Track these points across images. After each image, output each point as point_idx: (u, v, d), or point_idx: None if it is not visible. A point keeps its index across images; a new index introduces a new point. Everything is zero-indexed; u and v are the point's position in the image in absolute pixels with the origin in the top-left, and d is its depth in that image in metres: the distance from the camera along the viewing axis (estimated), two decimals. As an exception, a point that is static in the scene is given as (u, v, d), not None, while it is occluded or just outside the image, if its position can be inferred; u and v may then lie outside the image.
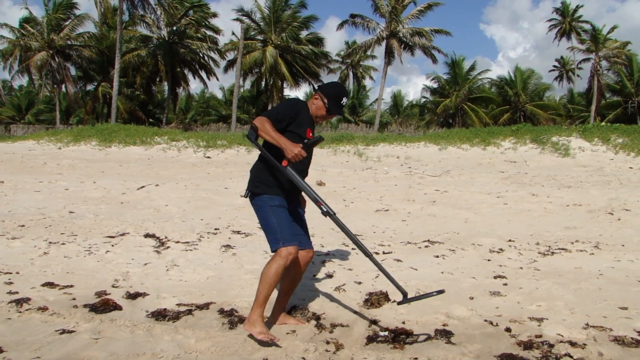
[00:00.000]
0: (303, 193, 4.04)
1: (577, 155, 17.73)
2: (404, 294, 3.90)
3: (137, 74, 46.19)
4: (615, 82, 51.35)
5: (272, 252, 3.81)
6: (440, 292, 3.90)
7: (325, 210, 3.82)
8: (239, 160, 18.42)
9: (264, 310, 3.84)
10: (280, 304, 4.23)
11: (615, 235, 7.75)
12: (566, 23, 54.87)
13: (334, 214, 3.84)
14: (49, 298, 4.70)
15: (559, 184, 12.81)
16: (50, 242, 6.76)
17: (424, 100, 57.52)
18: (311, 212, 4.53)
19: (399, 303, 3.97)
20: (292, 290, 4.23)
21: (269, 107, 45.72)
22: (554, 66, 63.11)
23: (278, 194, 3.89)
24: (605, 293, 5.00)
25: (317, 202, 3.82)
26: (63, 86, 46.27)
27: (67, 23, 43.48)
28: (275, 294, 4.17)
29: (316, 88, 4.11)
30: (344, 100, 4.05)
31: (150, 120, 49.59)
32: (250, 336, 3.81)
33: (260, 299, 3.77)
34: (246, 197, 4.04)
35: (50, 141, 22.57)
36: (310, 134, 4.00)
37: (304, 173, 4.05)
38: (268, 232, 3.85)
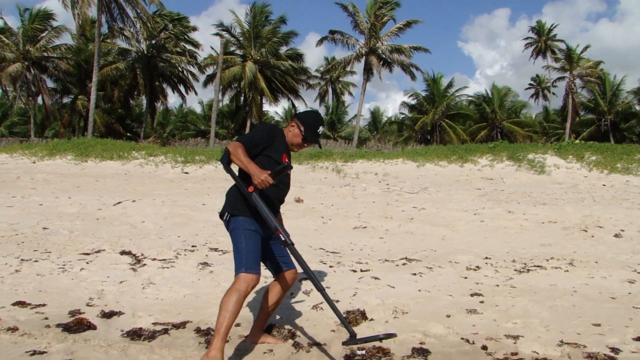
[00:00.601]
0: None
1: (553, 172, 17.98)
2: (352, 334, 3.75)
3: (115, 88, 45.89)
4: (589, 100, 52.44)
5: (234, 274, 3.73)
6: (390, 335, 3.78)
7: (283, 239, 3.73)
8: (217, 177, 18.33)
9: (225, 343, 3.63)
10: (260, 322, 4.21)
11: (589, 252, 7.85)
12: (542, 42, 55.88)
13: (292, 244, 3.77)
14: (20, 318, 4.60)
15: (534, 201, 12.96)
16: (22, 260, 6.60)
17: (402, 116, 58.13)
18: (290, 229, 4.51)
19: (344, 343, 3.84)
20: (273, 310, 4.21)
21: (248, 123, 45.73)
22: (530, 84, 64.14)
23: (255, 218, 3.84)
24: (580, 310, 5.06)
25: (277, 230, 3.74)
26: (39, 98, 45.70)
27: (43, 34, 43.02)
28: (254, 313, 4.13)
29: (295, 115, 4.13)
30: (321, 129, 4.07)
31: (128, 134, 49.21)
32: None
33: (221, 331, 3.55)
34: (223, 219, 3.96)
35: (25, 155, 22.24)
36: (286, 160, 3.97)
37: (278, 200, 4.06)
38: (236, 254, 3.78)
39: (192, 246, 7.79)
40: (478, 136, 49.94)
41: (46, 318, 4.61)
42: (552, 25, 56.23)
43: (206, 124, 55.50)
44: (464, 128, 51.59)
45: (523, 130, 50.93)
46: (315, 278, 3.82)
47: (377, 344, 4.14)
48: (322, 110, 64.68)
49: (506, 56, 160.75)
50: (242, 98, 48.16)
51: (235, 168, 3.84)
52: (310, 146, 4.49)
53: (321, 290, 3.78)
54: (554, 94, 60.36)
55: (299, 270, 4.02)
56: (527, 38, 57.92)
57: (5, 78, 41.17)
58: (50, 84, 45.55)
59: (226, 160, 3.77)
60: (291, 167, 3.91)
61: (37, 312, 4.76)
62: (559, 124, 57.78)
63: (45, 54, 43.31)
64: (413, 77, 45.24)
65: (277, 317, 4.71)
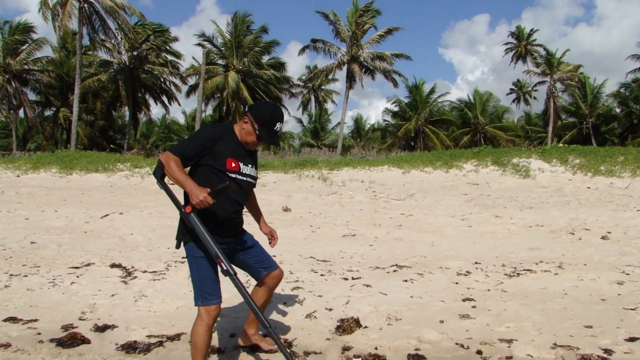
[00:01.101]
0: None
1: (537, 176, 18.18)
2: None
3: (97, 99, 45.62)
4: (570, 104, 53.05)
5: (195, 305, 3.54)
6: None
7: (225, 269, 3.39)
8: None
9: None
10: (252, 323, 4.15)
11: (577, 255, 7.94)
12: (521, 47, 56.44)
13: (234, 274, 3.42)
14: (12, 334, 4.54)
15: (521, 205, 13.08)
16: (11, 275, 6.53)
17: (385, 123, 58.39)
18: (279, 238, 4.51)
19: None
20: (263, 310, 4.08)
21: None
22: (511, 89, 64.64)
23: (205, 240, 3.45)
24: (571, 312, 5.12)
25: (218, 258, 3.39)
26: (20, 111, 45.29)
27: (24, 47, 42.64)
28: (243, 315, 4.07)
29: (247, 109, 3.62)
30: (278, 125, 3.59)
31: (111, 146, 48.91)
32: None
33: None
34: (177, 248, 3.69)
35: (8, 168, 22.03)
36: (233, 164, 3.55)
37: (234, 212, 3.70)
38: (193, 284, 3.57)
39: (183, 257, 7.74)
40: (461, 142, 50.33)
41: (39, 333, 4.56)
42: (531, 30, 56.84)
43: (190, 134, 55.28)
44: (447, 134, 51.96)
45: (506, 135, 51.43)
46: (259, 312, 3.50)
47: (372, 350, 4.17)
48: (304, 119, 64.88)
49: (487, 61, 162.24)
50: (225, 108, 48.00)
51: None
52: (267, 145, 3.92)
53: (267, 327, 3.47)
54: (535, 98, 60.97)
55: (288, 268, 3.95)
56: (507, 43, 58.46)
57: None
58: (32, 96, 45.22)
59: (159, 174, 3.39)
60: (232, 186, 3.44)
61: (29, 328, 4.71)
62: (541, 127, 58.36)
63: (26, 67, 42.94)
64: (395, 84, 45.49)
65: (274, 327, 4.70)
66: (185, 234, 3.52)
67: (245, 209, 3.91)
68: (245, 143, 3.61)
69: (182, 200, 3.52)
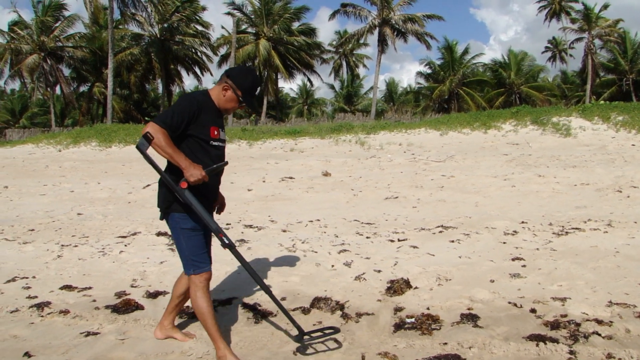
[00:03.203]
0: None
1: (579, 134, 17.76)
2: (300, 331, 3.66)
3: (130, 73, 45.96)
4: (609, 61, 51.30)
5: (186, 274, 3.52)
6: (334, 328, 3.77)
7: (227, 242, 3.42)
8: (241, 155, 18.40)
9: (221, 337, 3.46)
10: (171, 314, 3.90)
11: (626, 213, 7.76)
12: (555, 3, 54.64)
13: (234, 246, 3.48)
14: (69, 301, 4.66)
15: (563, 164, 12.82)
16: (62, 245, 6.71)
17: (418, 86, 57.45)
18: (322, 202, 4.49)
19: (295, 340, 3.69)
20: (183, 302, 3.89)
21: (264, 101, 45.66)
22: (546, 47, 62.97)
23: (189, 213, 3.41)
24: (624, 270, 5.02)
25: (219, 233, 3.39)
26: (57, 88, 46.03)
27: (57, 25, 43.08)
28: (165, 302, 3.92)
29: (226, 76, 3.54)
30: (257, 90, 3.65)
31: (146, 118, 49.41)
32: None
33: (211, 333, 3.45)
34: (162, 220, 3.59)
35: (50, 144, 22.47)
36: (215, 132, 3.48)
37: (216, 185, 3.65)
38: (180, 254, 3.52)
39: (227, 224, 7.83)
40: (496, 102, 49.28)
41: (94, 300, 4.67)
42: (565, -14, 54.89)
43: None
44: (481, 95, 50.97)
45: (541, 95, 50.18)
46: (259, 279, 3.59)
47: (425, 311, 4.15)
48: (337, 85, 64.43)
49: (520, 20, 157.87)
50: (257, 76, 47.96)
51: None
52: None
53: (268, 292, 3.60)
54: (571, 55, 59.30)
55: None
56: (540, 0, 56.65)
57: (25, 70, 41.46)
58: (66, 73, 45.84)
59: (145, 147, 3.19)
60: (227, 163, 3.50)
61: (84, 295, 4.82)
62: (578, 86, 56.75)
63: (60, 44, 43.46)
64: (428, 46, 44.72)
65: (324, 290, 4.71)
66: (171, 205, 3.44)
67: None
68: (224, 109, 3.56)
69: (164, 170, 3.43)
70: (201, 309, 3.43)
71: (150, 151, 3.21)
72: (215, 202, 3.75)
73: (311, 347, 3.61)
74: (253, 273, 3.58)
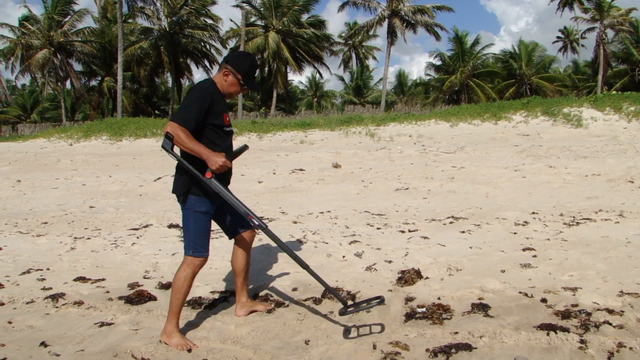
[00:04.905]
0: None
1: (590, 125, 17.64)
2: (345, 304, 3.79)
3: (140, 67, 46.10)
4: (620, 50, 50.77)
5: (184, 254, 3.69)
6: (379, 298, 3.87)
7: (257, 223, 3.60)
8: (252, 147, 18.29)
9: (178, 319, 3.68)
10: (241, 292, 4.12)
11: (638, 203, 7.73)
12: (568, -7, 54.15)
13: (266, 227, 3.64)
14: (83, 292, 4.72)
15: (574, 154, 12.76)
16: (75, 238, 6.79)
17: (428, 78, 57.18)
18: (332, 193, 4.50)
19: (340, 313, 3.78)
20: (247, 273, 4.13)
21: (274, 93, 45.66)
22: (558, 37, 62.50)
23: (208, 197, 3.62)
24: (636, 260, 5.00)
25: (248, 215, 3.61)
26: (67, 83, 46.24)
27: (66, 19, 43.27)
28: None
29: (225, 62, 3.75)
30: (257, 72, 3.77)
31: (156, 112, 49.64)
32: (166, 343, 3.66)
33: (173, 309, 3.65)
34: (183, 203, 3.70)
35: (61, 138, 22.63)
36: (227, 119, 3.73)
37: (227, 179, 3.80)
38: (185, 234, 3.69)
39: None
40: (506, 93, 48.93)
41: (107, 292, 4.72)
42: (578, -25, 54.32)
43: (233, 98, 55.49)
44: (492, 86, 50.64)
45: (552, 86, 49.77)
46: (297, 256, 3.74)
47: (435, 301, 4.16)
48: (346, 77, 64.33)
49: (531, 11, 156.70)
50: (266, 69, 47.98)
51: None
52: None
53: (306, 267, 3.74)
54: (583, 45, 58.75)
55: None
56: (552, -10, 56.09)
57: (35, 65, 41.65)
58: (77, 67, 46.03)
59: (170, 145, 3.41)
60: (247, 147, 3.74)
61: (98, 287, 4.88)
62: (589, 76, 56.23)
63: (70, 39, 43.61)
64: (438, 37, 44.57)
65: (335, 280, 4.74)
66: (190, 189, 3.60)
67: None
68: (227, 94, 3.74)
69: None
70: (181, 289, 3.64)
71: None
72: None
73: (355, 330, 3.71)
74: (288, 251, 3.74)
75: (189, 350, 3.50)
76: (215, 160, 3.40)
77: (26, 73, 45.21)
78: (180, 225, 7.17)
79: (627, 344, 3.25)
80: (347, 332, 3.72)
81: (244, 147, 3.71)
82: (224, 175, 3.67)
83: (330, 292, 3.83)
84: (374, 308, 4.09)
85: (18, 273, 5.27)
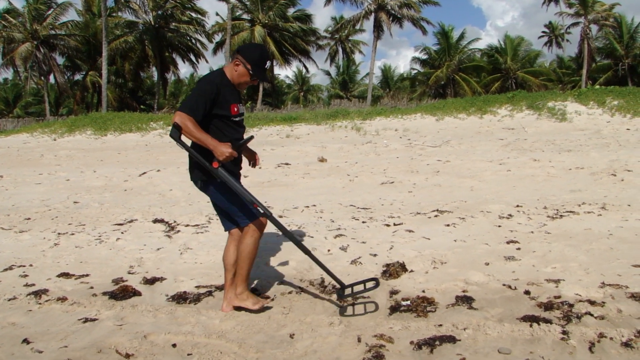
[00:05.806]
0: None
1: (574, 119, 17.80)
2: (342, 285, 3.96)
3: (125, 61, 45.76)
4: (604, 45, 51.18)
5: (243, 227, 3.81)
6: (374, 280, 4.05)
7: (262, 212, 3.69)
8: (236, 142, 18.38)
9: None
10: (231, 286, 4.02)
11: (620, 196, 7.80)
12: (553, -13, 54.34)
13: (271, 214, 3.72)
14: (67, 288, 4.67)
15: (559, 148, 12.87)
16: (59, 233, 6.72)
17: (414, 72, 57.28)
18: (318, 187, 4.50)
19: (339, 296, 3.98)
20: (237, 269, 4.00)
21: (260, 87, 45.51)
22: (543, 32, 62.80)
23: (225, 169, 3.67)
24: (617, 252, 5.06)
25: (253, 204, 3.68)
26: (51, 77, 45.75)
27: (49, 12, 42.76)
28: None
29: (237, 52, 3.80)
30: (267, 63, 3.86)
31: (141, 107, 49.20)
32: (243, 309, 3.92)
33: (243, 274, 3.86)
34: (205, 189, 3.81)
35: (44, 133, 22.40)
36: (235, 109, 3.76)
37: (239, 163, 3.90)
38: (229, 211, 3.80)
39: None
40: (492, 88, 49.20)
41: (92, 287, 4.68)
42: (563, -30, 54.53)
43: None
44: (477, 80, 50.86)
45: (538, 80, 50.09)
46: (301, 243, 3.87)
47: (420, 293, 4.18)
48: (332, 71, 64.29)
49: (517, 6, 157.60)
50: (252, 63, 47.76)
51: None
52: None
53: (308, 252, 3.85)
54: (567, 40, 59.09)
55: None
56: (538, -16, 56.32)
57: (18, 59, 41.14)
58: (60, 61, 45.55)
59: (178, 135, 3.51)
60: (253, 137, 3.83)
61: (82, 282, 4.83)
62: (574, 71, 56.68)
63: (53, 32, 43.13)
64: (424, 32, 44.75)
65: (320, 274, 4.74)
66: (211, 175, 3.69)
67: None
68: (238, 84, 3.81)
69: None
70: (250, 255, 3.81)
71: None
72: (241, 168, 4.00)
73: (350, 308, 3.88)
74: (292, 238, 3.86)
75: (174, 345, 3.47)
76: (222, 150, 3.49)
77: (8, 67, 44.66)
78: (166, 220, 7.20)
79: (608, 334, 3.30)
80: (343, 310, 3.87)
81: (250, 138, 3.77)
82: (234, 166, 3.77)
83: (330, 276, 3.96)
84: (358, 300, 4.11)
85: (0, 270, 5.21)
